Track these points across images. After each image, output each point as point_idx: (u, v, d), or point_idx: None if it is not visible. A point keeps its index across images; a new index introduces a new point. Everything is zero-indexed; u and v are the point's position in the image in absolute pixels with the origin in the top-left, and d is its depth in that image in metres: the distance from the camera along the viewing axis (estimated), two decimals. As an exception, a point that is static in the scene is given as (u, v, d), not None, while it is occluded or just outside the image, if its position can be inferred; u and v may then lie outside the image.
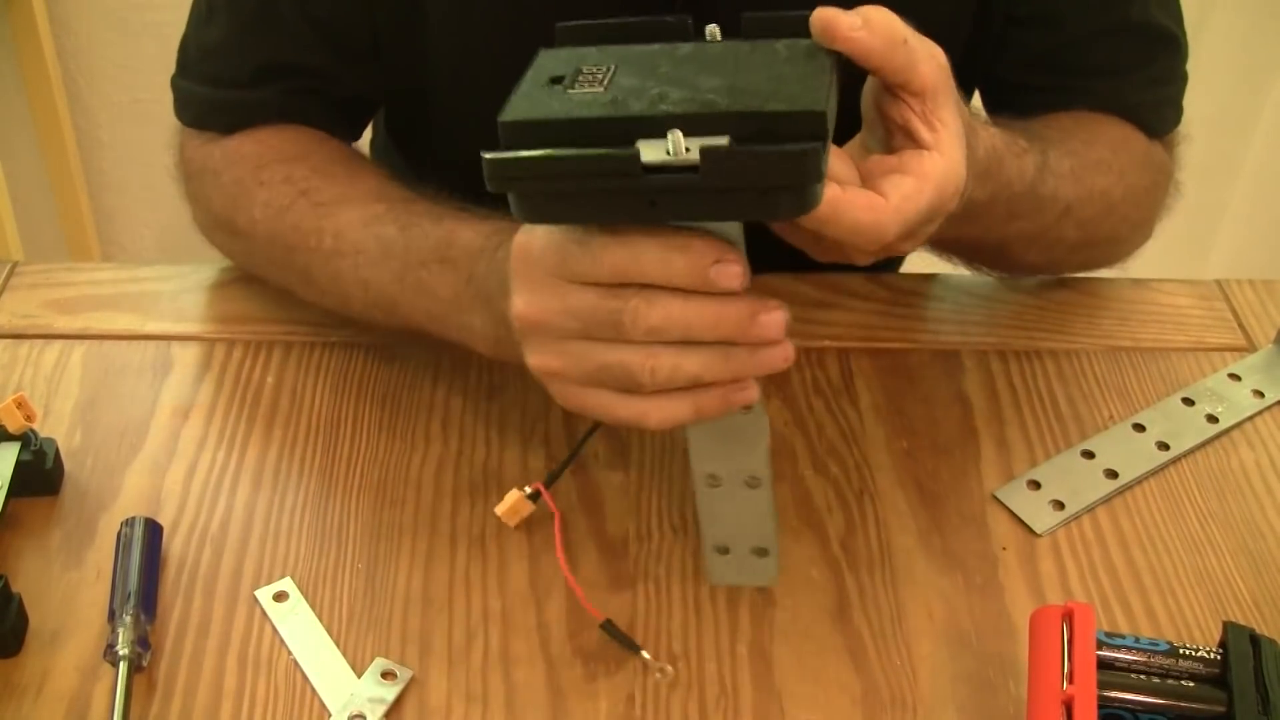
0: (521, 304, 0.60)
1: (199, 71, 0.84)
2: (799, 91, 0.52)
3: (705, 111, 0.51)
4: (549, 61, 0.57)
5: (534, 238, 0.59)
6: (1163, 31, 0.86)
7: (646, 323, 0.56)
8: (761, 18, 0.57)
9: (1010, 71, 0.87)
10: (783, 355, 0.58)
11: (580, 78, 0.55)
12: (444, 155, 0.93)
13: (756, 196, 0.52)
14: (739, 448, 0.62)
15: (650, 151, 0.51)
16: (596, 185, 0.52)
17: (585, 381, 0.60)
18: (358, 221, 0.74)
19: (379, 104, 0.92)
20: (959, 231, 0.69)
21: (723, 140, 0.51)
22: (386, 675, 0.63)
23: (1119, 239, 0.86)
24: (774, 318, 0.57)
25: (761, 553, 0.66)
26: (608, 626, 0.65)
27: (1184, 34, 0.87)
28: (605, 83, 0.54)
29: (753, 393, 0.59)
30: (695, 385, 0.58)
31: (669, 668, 0.64)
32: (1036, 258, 0.83)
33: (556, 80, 0.55)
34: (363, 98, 0.88)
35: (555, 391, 0.62)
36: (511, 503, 0.69)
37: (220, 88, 0.83)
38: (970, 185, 0.63)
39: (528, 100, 0.54)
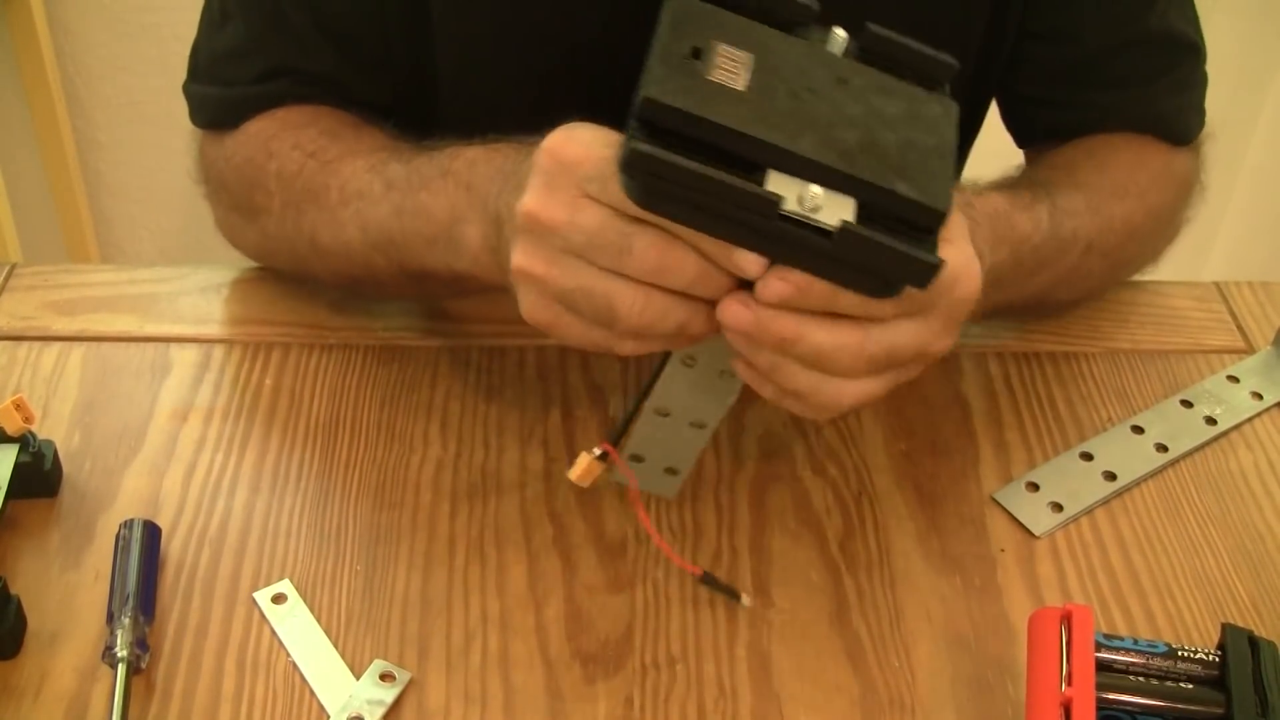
0: (532, 201, 0.57)
1: (210, 76, 0.84)
2: (929, 180, 0.53)
3: (841, 169, 0.52)
4: (681, 21, 0.56)
5: (572, 143, 0.57)
6: (1181, 38, 0.85)
7: (654, 262, 0.55)
8: (884, 38, 0.57)
9: (1029, 87, 0.86)
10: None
11: (718, 60, 0.54)
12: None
13: (873, 278, 0.54)
14: (706, 400, 0.63)
15: (790, 200, 0.52)
16: (726, 209, 0.53)
17: (561, 298, 0.59)
18: (362, 168, 0.74)
19: (392, 111, 0.91)
20: (993, 300, 0.70)
21: (850, 205, 0.52)
22: (385, 677, 0.63)
23: (1145, 259, 0.86)
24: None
25: (672, 472, 0.68)
26: (707, 579, 0.67)
27: (1201, 37, 0.87)
28: (745, 78, 0.54)
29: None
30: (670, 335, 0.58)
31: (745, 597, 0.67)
32: (1066, 296, 0.83)
33: (695, 53, 0.54)
34: (373, 104, 0.87)
35: (526, 299, 0.61)
36: (585, 465, 0.65)
37: (232, 88, 0.83)
38: (987, 258, 0.64)
39: (666, 75, 0.53)
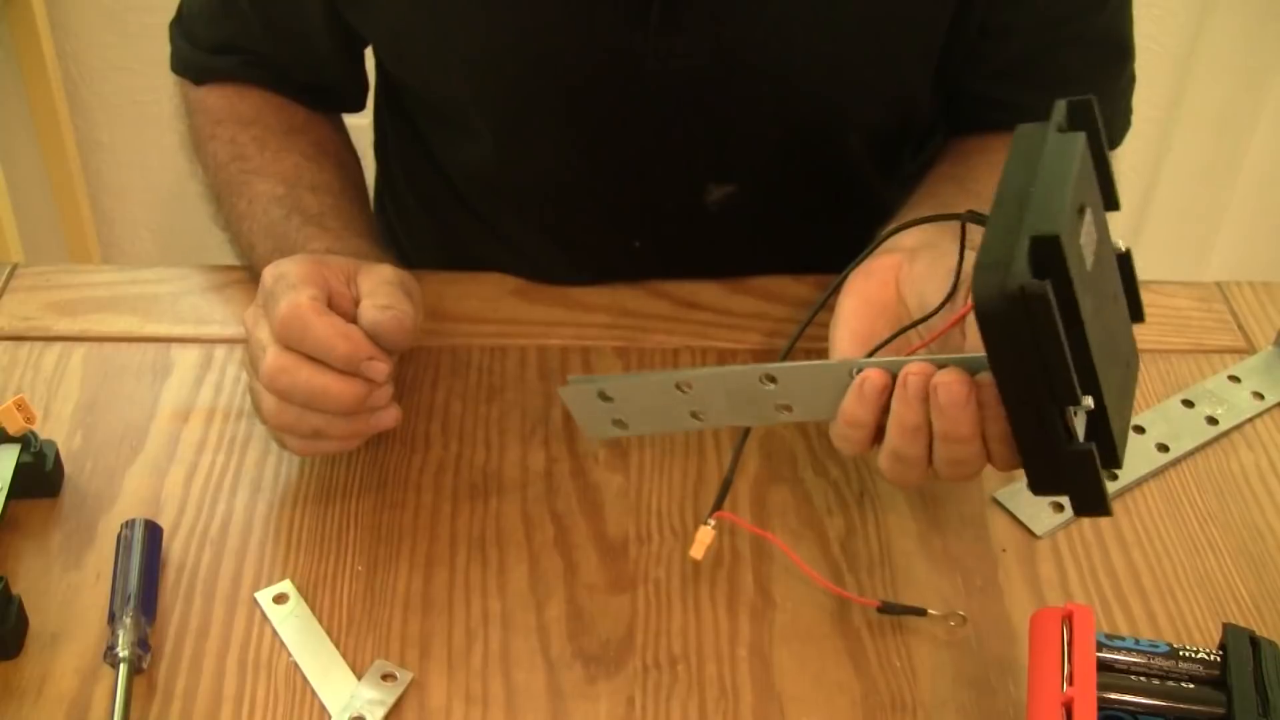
0: (249, 310, 0.70)
1: (184, 27, 0.91)
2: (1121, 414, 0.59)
3: (1105, 400, 0.56)
4: (1085, 171, 0.58)
5: (273, 270, 0.68)
6: (1121, 42, 0.86)
7: (268, 379, 0.66)
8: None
9: (975, 83, 0.86)
10: (390, 418, 0.69)
11: (1083, 225, 0.56)
12: (448, 172, 0.93)
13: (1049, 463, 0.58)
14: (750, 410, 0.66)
15: (1079, 424, 0.56)
16: (1033, 392, 0.55)
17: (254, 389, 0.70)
18: (263, 195, 0.82)
19: (356, 100, 0.94)
20: None
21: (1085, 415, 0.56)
22: (386, 677, 0.63)
23: None
24: (383, 391, 0.68)
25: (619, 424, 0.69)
26: (886, 608, 0.67)
27: (1132, 38, 0.88)
28: (1090, 260, 0.56)
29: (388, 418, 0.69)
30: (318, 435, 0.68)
31: (960, 613, 0.67)
32: None
33: (1080, 210, 0.56)
34: (323, 85, 0.91)
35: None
36: (706, 543, 0.68)
37: (195, 47, 0.90)
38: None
39: (1064, 219, 0.53)
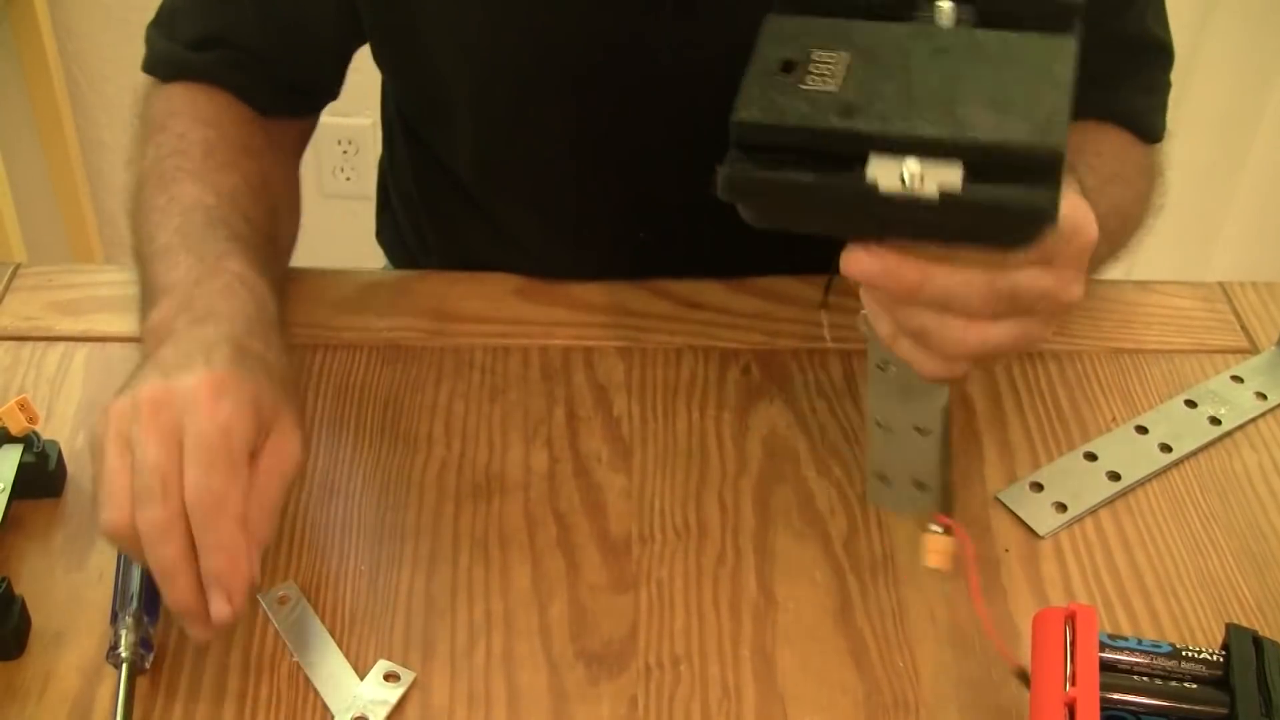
0: (122, 399, 0.63)
1: (164, 26, 0.87)
2: (1037, 118, 0.51)
3: (939, 137, 0.51)
4: (777, 38, 0.56)
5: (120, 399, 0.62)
6: (1154, 41, 0.87)
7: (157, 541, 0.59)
8: None
9: None
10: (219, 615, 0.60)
11: (812, 67, 0.54)
12: (451, 168, 0.93)
13: (990, 232, 0.53)
14: (917, 402, 0.62)
15: (885, 179, 0.51)
16: (830, 207, 0.53)
17: None
18: (189, 197, 0.76)
19: (332, 95, 0.92)
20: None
21: (957, 172, 0.51)
22: (389, 677, 0.63)
23: (1127, 246, 0.86)
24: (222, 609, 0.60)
25: (921, 487, 0.65)
26: (1021, 676, 0.62)
27: (1171, 42, 0.88)
28: (839, 78, 0.54)
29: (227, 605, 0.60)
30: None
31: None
32: None
33: (788, 67, 0.54)
34: (306, 82, 0.88)
35: None
36: (937, 547, 0.63)
37: (173, 41, 0.85)
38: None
39: (760, 94, 0.53)
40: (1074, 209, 0.57)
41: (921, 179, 0.51)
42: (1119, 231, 0.81)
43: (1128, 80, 0.86)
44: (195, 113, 0.83)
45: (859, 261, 0.56)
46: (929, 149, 0.51)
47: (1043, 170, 0.51)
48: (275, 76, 0.86)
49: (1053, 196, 0.51)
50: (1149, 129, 0.88)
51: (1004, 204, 0.51)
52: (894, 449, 0.64)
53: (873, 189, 0.51)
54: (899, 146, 0.51)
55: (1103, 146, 0.83)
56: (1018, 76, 0.53)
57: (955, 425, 0.79)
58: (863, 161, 0.52)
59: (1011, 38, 0.55)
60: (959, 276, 0.56)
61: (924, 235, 0.54)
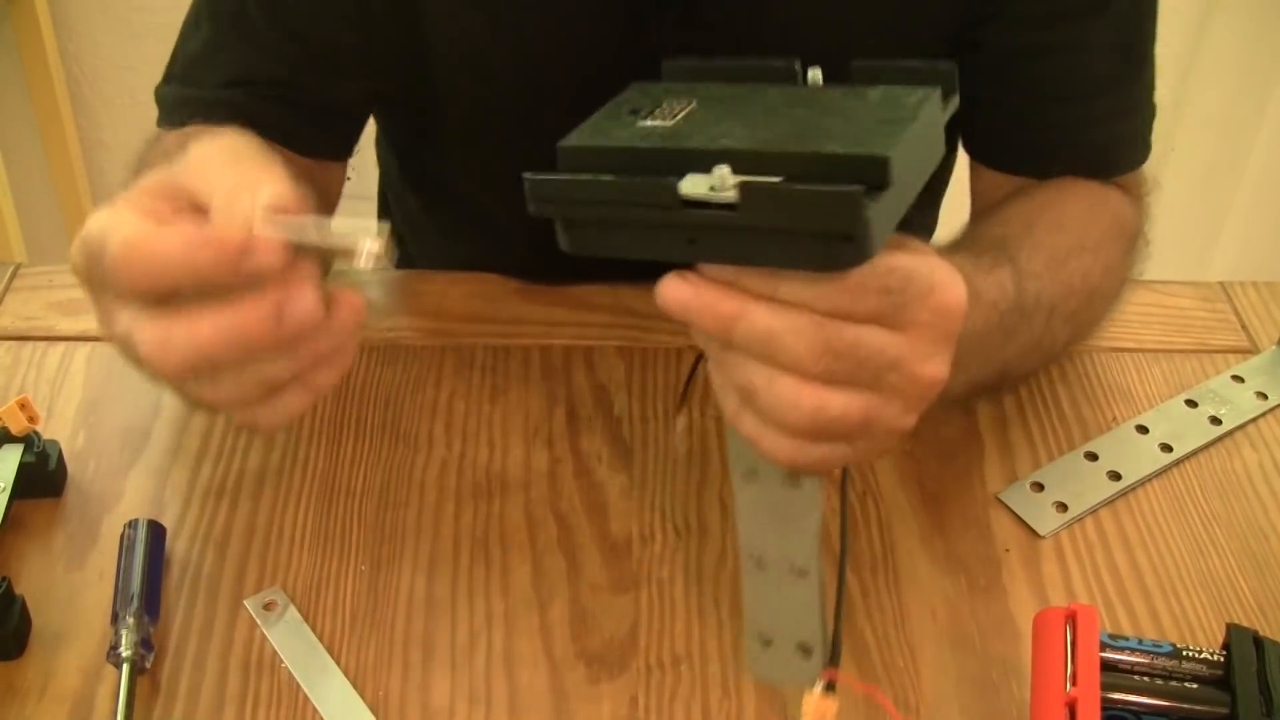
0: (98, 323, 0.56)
1: (179, 78, 0.84)
2: (866, 135, 0.48)
3: (760, 149, 0.49)
4: (635, 95, 0.56)
5: (77, 243, 0.52)
6: (1129, 53, 0.81)
7: (164, 361, 0.50)
8: (871, 66, 0.54)
9: (971, 85, 0.83)
10: (350, 312, 0.54)
11: (656, 110, 0.53)
12: (448, 177, 0.93)
13: (799, 240, 0.48)
14: (788, 527, 0.57)
15: (691, 184, 0.48)
16: (635, 216, 0.50)
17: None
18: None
19: (362, 119, 0.90)
20: (959, 380, 0.62)
21: (773, 179, 0.48)
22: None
23: (1101, 318, 0.81)
24: (303, 289, 0.50)
25: (805, 651, 0.58)
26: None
27: (1153, 58, 0.83)
28: (678, 116, 0.52)
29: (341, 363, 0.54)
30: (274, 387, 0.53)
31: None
32: (1029, 366, 0.78)
33: (634, 111, 0.54)
34: (337, 108, 0.86)
35: None
36: (821, 710, 0.55)
37: (201, 89, 0.83)
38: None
39: (593, 128, 0.53)
40: (936, 267, 0.52)
41: (724, 186, 0.48)
42: (1081, 310, 0.76)
43: (1094, 101, 0.81)
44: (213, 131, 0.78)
45: (674, 290, 0.51)
46: (748, 163, 0.48)
47: (868, 176, 0.47)
48: (305, 102, 0.82)
49: (863, 194, 0.46)
50: (1114, 160, 0.83)
51: (805, 194, 0.46)
52: (772, 596, 0.58)
53: (672, 189, 0.48)
54: (711, 159, 0.48)
55: (1064, 217, 0.78)
56: (864, 110, 0.51)
57: (956, 424, 0.79)
58: (679, 178, 0.49)
59: (873, 92, 0.53)
60: (785, 320, 0.50)
61: (735, 254, 0.50)
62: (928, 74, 0.54)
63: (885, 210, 0.48)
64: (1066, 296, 0.73)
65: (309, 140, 0.84)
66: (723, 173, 0.48)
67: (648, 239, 0.50)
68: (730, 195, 0.48)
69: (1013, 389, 0.81)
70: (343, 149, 0.88)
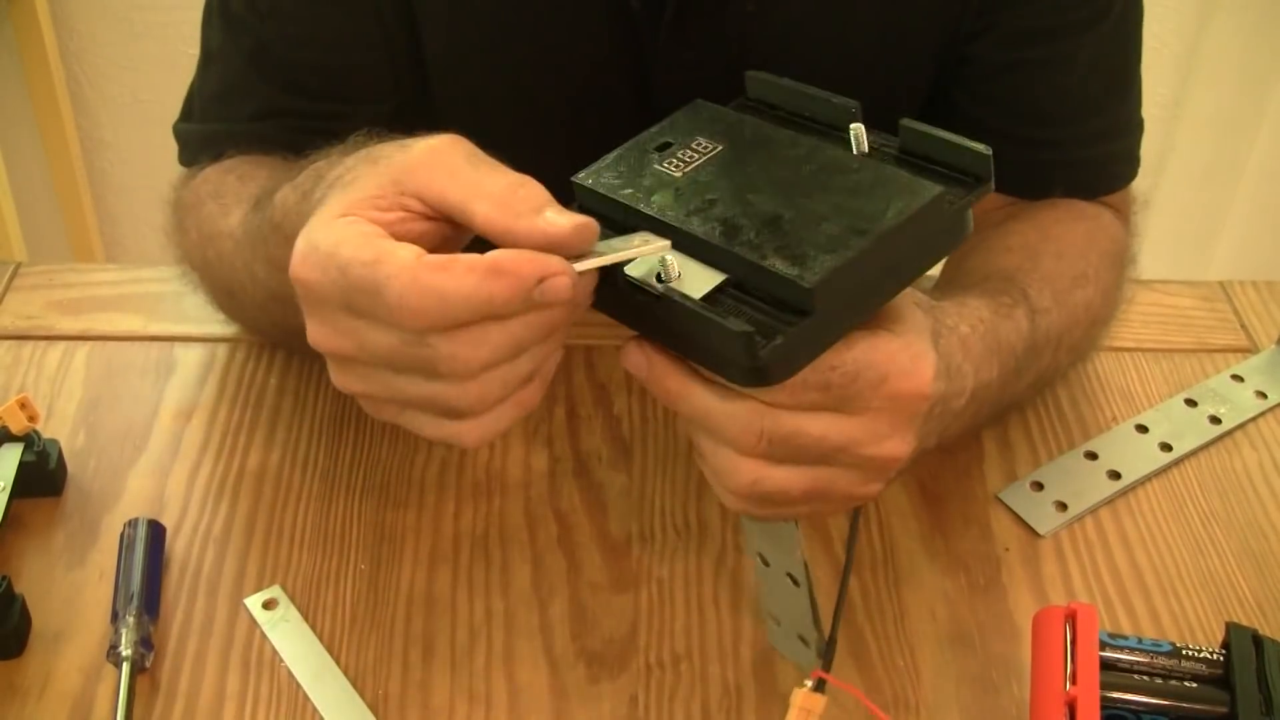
0: (313, 332, 0.52)
1: (201, 115, 0.83)
2: (815, 258, 0.48)
3: (708, 241, 0.50)
4: (680, 120, 0.57)
5: (311, 260, 0.50)
6: (1116, 73, 0.82)
7: (466, 367, 0.49)
8: (918, 131, 0.54)
9: (961, 102, 0.82)
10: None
11: (680, 151, 0.55)
12: None
13: (708, 354, 0.50)
14: (776, 541, 0.59)
15: (639, 265, 0.50)
16: (602, 281, 0.51)
17: (397, 403, 0.53)
18: (238, 220, 0.69)
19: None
20: (979, 422, 0.67)
21: (716, 279, 0.49)
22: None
23: (1098, 342, 0.82)
24: (560, 282, 0.49)
25: (803, 641, 0.62)
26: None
27: (1140, 74, 0.83)
28: (691, 165, 0.54)
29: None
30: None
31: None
32: (1034, 394, 0.80)
33: (663, 147, 0.55)
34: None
35: (363, 405, 0.55)
36: (807, 706, 0.57)
37: (228, 123, 0.81)
38: (971, 378, 0.62)
39: (613, 162, 0.54)
40: (894, 355, 0.52)
41: (677, 279, 0.49)
42: (1084, 339, 0.77)
43: (1080, 123, 0.81)
44: (244, 169, 0.76)
45: (630, 357, 0.54)
46: (702, 253, 0.50)
47: (798, 305, 0.48)
48: (331, 133, 0.79)
49: (754, 336, 0.47)
50: (1099, 180, 0.84)
51: (708, 321, 0.48)
52: (775, 590, 0.61)
53: (619, 266, 0.50)
54: (683, 243, 0.50)
55: (1064, 245, 0.79)
56: (848, 210, 0.51)
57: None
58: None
59: (885, 171, 0.53)
60: (723, 405, 0.52)
61: (672, 343, 0.52)
62: (968, 155, 0.53)
63: (808, 336, 0.49)
64: (1071, 328, 0.75)
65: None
66: (668, 262, 0.49)
67: (615, 300, 0.52)
68: (660, 289, 0.49)
69: (1016, 410, 0.81)
70: None
